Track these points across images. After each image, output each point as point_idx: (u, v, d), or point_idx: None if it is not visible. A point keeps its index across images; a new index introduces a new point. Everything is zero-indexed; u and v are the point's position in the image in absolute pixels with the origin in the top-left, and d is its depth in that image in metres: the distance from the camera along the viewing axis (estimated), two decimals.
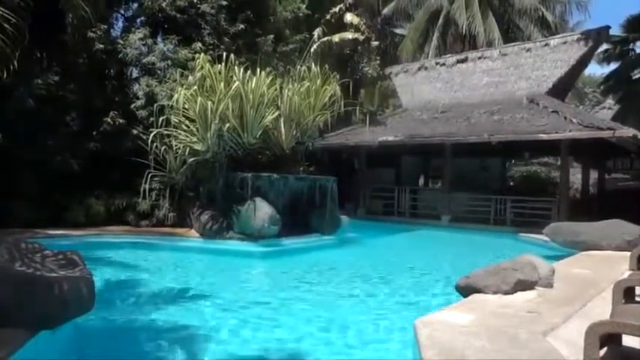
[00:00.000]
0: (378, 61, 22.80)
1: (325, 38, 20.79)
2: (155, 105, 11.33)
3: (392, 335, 4.74)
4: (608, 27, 16.58)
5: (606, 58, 21.33)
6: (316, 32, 21.18)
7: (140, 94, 12.15)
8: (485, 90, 17.77)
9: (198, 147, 11.02)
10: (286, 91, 11.94)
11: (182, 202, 11.50)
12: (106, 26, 12.66)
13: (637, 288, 4.11)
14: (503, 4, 25.53)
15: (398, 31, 28.31)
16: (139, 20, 14.21)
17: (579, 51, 16.43)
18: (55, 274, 3.67)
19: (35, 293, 3.47)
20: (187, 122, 11.10)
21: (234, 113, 10.82)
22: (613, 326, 3.00)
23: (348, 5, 21.79)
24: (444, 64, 19.93)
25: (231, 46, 13.38)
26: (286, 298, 6.33)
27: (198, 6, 13.46)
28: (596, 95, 36.72)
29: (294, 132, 12.17)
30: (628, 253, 6.86)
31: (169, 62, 12.51)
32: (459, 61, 19.46)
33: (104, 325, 4.85)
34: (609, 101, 27.38)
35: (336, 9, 21.66)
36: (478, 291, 4.91)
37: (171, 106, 11.12)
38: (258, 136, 11.45)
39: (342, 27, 21.38)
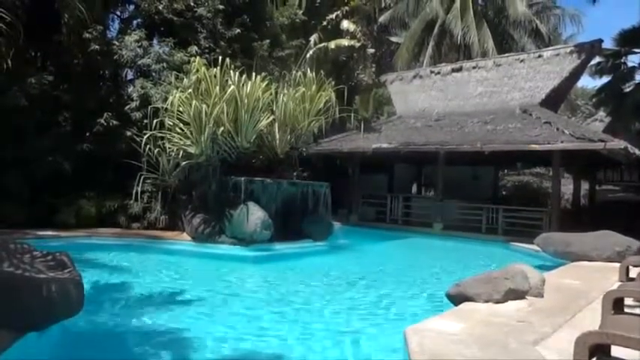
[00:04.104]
0: (373, 69, 22.90)
1: (321, 44, 20.87)
2: (149, 107, 11.30)
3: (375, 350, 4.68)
4: (601, 40, 16.76)
5: (599, 71, 21.51)
6: (312, 38, 21.26)
7: (135, 95, 12.11)
8: (479, 99, 17.89)
9: (191, 150, 10.99)
10: (281, 96, 11.96)
11: (174, 205, 11.45)
12: (101, 27, 12.62)
13: (626, 299, 4.13)
14: (498, 15, 25.78)
15: (394, 39, 28.47)
16: (135, 22, 14.20)
17: (572, 63, 16.60)
18: (43, 276, 3.62)
19: (23, 294, 3.42)
20: (181, 125, 11.06)
21: (228, 117, 10.80)
22: (602, 337, 3.02)
23: (344, 12, 21.89)
24: (438, 73, 20.04)
25: (227, 50, 13.40)
26: (269, 302, 6.32)
27: (195, 9, 13.47)
28: (588, 107, 37.05)
29: (289, 137, 12.18)
30: (618, 265, 6.91)
31: (165, 65, 12.48)
32: (453, 70, 19.59)
33: (93, 327, 4.80)
34: (601, 113, 27.61)
35: (333, 16, 21.76)
36: (469, 299, 4.91)
37: (166, 108, 11.09)
38: (252, 140, 11.44)
39: (339, 34, 21.47)
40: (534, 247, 10.09)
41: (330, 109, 12.48)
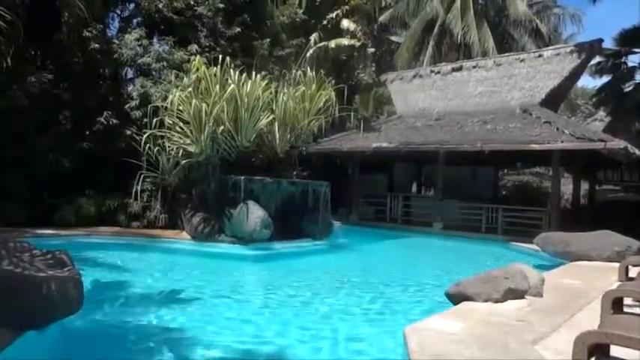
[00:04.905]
0: (373, 68, 22.91)
1: (321, 44, 20.85)
2: (149, 106, 11.29)
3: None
4: (601, 40, 16.75)
5: (599, 71, 21.49)
6: (313, 37, 21.24)
7: (134, 94, 12.11)
8: (479, 99, 17.88)
9: (191, 149, 10.98)
10: (281, 95, 11.96)
11: (174, 204, 11.45)
12: (101, 26, 12.61)
13: (625, 299, 4.13)
14: (498, 14, 25.77)
15: (394, 38, 28.46)
16: (135, 21, 14.17)
17: (572, 63, 16.58)
18: (43, 274, 3.62)
19: (22, 293, 3.42)
20: (181, 124, 11.06)
21: (228, 116, 10.80)
22: (601, 336, 3.02)
23: (345, 11, 21.89)
24: (438, 73, 20.03)
25: (227, 49, 13.38)
26: (269, 301, 6.32)
27: (195, 8, 13.45)
28: (588, 107, 37.05)
29: (289, 136, 12.17)
30: (617, 264, 6.91)
31: (165, 63, 12.47)
32: (453, 70, 19.57)
33: (92, 326, 4.80)
34: (601, 113, 27.61)
35: (333, 15, 21.75)
36: (468, 299, 4.91)
37: (166, 107, 11.09)
38: (252, 139, 11.43)
39: (339, 33, 21.47)
40: (534, 246, 10.08)
41: (330, 108, 12.47)
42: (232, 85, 10.83)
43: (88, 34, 11.85)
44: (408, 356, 3.33)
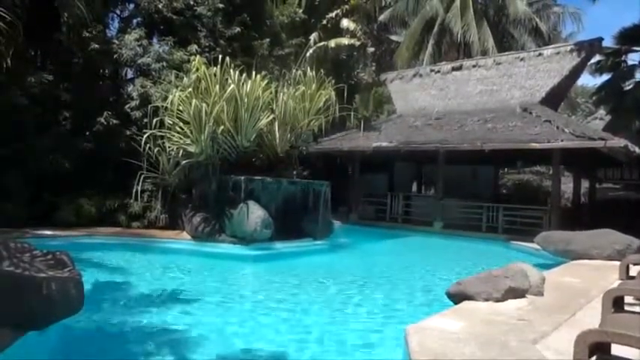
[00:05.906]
0: (373, 67, 22.93)
1: (321, 43, 20.85)
2: (149, 106, 11.29)
3: None
4: (601, 39, 16.75)
5: (599, 69, 21.50)
6: (312, 37, 21.25)
7: (134, 94, 12.11)
8: (479, 98, 17.87)
9: (191, 149, 10.99)
10: (281, 95, 11.95)
11: (174, 204, 11.45)
12: (101, 26, 12.62)
13: (626, 297, 4.13)
14: (498, 13, 25.75)
15: (394, 37, 28.46)
16: (135, 21, 14.18)
17: (572, 61, 16.58)
18: (43, 275, 3.62)
19: (23, 293, 3.42)
20: (181, 124, 11.06)
21: (228, 116, 10.80)
22: (602, 335, 3.02)
23: (344, 11, 21.89)
24: (438, 72, 20.02)
25: (227, 49, 13.38)
26: (270, 301, 6.33)
27: (195, 8, 13.46)
28: (588, 106, 37.09)
29: (289, 136, 12.17)
30: (618, 263, 6.91)
31: (164, 64, 12.47)
32: (453, 69, 19.57)
33: (93, 326, 4.80)
34: (601, 112, 27.63)
35: (333, 14, 21.75)
36: (469, 298, 4.91)
37: (166, 107, 11.09)
38: (252, 139, 11.43)
39: (339, 32, 21.47)
40: (534, 245, 10.07)
41: (330, 107, 12.47)
42: (232, 85, 10.82)
43: (87, 34, 11.86)
44: (409, 356, 3.32)
